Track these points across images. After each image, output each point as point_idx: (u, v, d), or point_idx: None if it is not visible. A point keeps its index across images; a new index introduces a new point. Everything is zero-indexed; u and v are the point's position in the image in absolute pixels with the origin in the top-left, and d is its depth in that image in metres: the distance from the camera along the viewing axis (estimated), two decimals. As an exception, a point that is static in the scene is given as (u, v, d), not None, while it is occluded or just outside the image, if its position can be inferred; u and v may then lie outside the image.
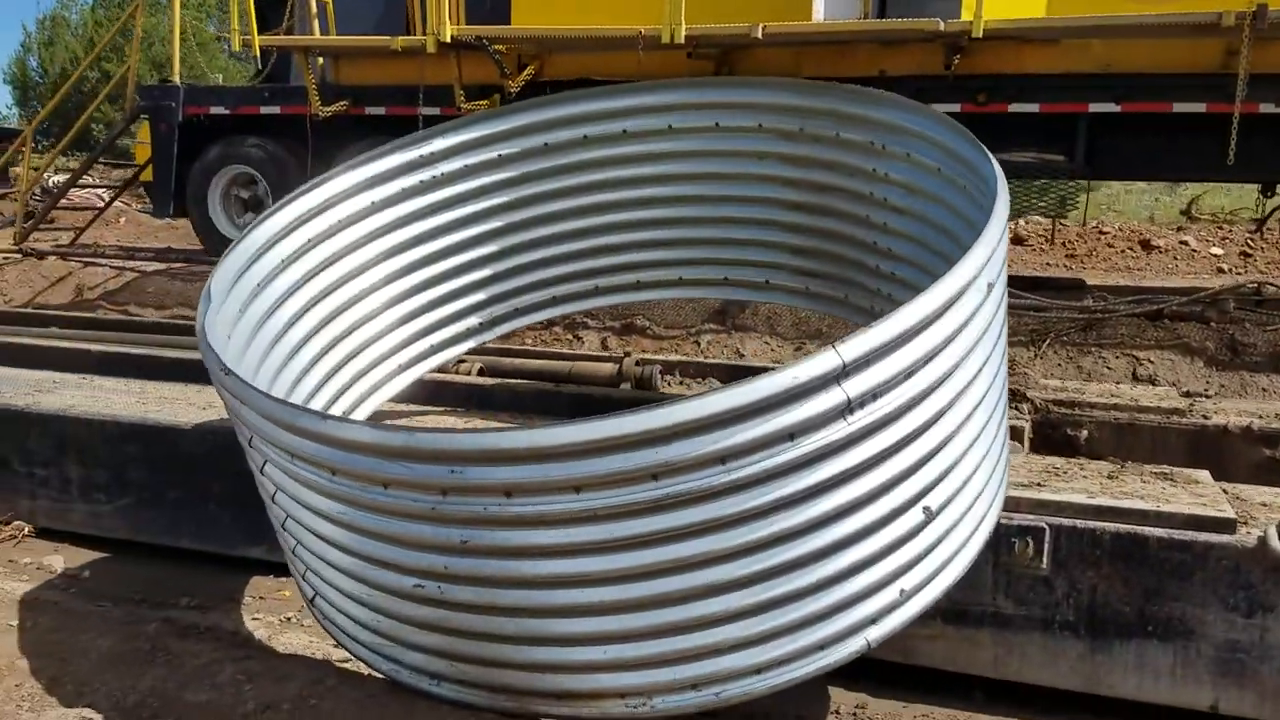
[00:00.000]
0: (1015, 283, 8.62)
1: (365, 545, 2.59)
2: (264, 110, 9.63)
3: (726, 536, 2.38)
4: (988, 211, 2.78)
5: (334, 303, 3.72)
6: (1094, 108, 7.81)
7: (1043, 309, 7.78)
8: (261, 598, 3.76)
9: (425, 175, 3.94)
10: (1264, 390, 6.71)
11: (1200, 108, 7.36)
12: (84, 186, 14.64)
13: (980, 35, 7.21)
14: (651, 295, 4.37)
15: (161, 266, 9.34)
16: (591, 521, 2.34)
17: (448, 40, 8.22)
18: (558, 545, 2.38)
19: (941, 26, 7.34)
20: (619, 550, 2.38)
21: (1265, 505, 3.23)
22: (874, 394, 2.42)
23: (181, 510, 4.02)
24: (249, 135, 9.68)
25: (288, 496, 2.75)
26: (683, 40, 7.81)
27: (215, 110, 9.70)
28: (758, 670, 2.52)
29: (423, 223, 3.95)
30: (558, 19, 8.62)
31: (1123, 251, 12.71)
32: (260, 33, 9.14)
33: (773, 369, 2.35)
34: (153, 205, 10.32)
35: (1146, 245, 12.66)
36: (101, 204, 12.92)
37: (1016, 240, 13.83)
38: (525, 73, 8.71)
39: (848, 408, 2.38)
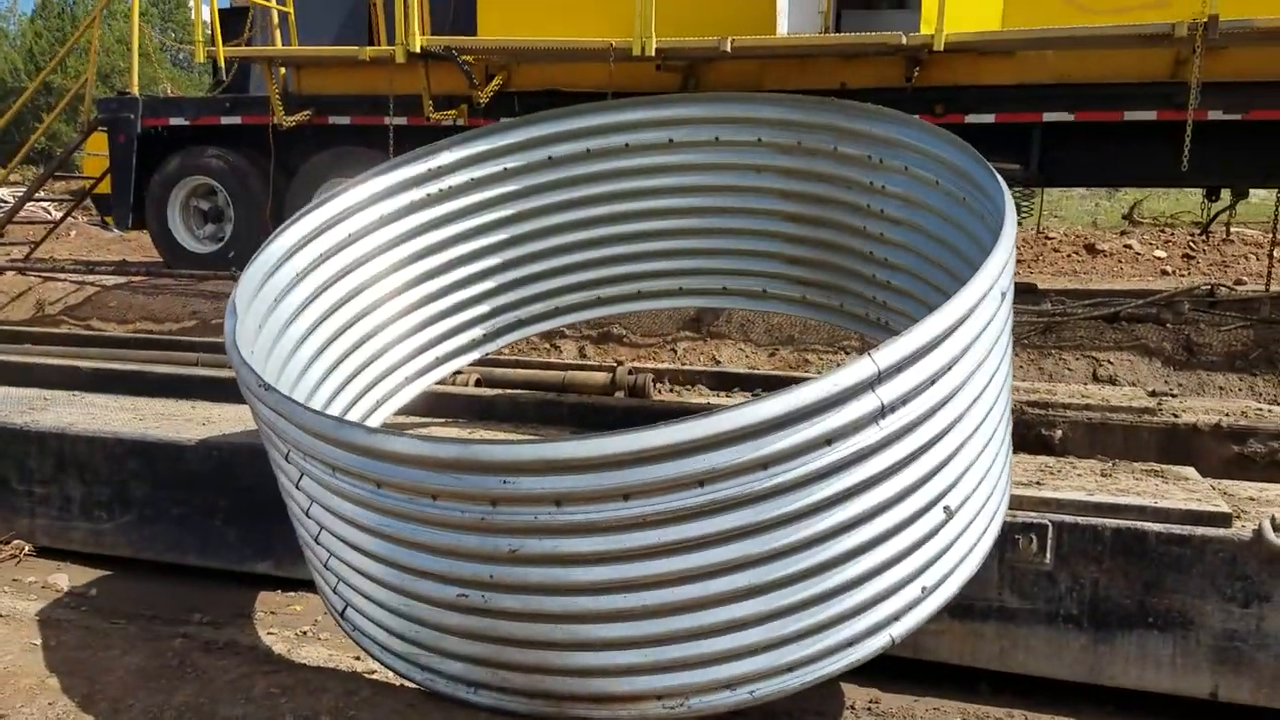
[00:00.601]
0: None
1: (408, 557, 2.63)
2: (225, 121, 9.55)
3: (765, 539, 2.47)
4: (997, 222, 2.91)
5: (344, 317, 3.74)
6: (1048, 117, 8.07)
7: (1005, 313, 7.98)
8: (272, 613, 3.76)
9: (432, 189, 3.98)
10: (1221, 389, 7.00)
11: (1151, 115, 7.66)
12: (34, 200, 14.30)
13: (941, 48, 7.42)
14: (653, 305, 4.46)
15: (122, 280, 9.19)
16: (639, 528, 2.41)
17: (417, 51, 8.23)
18: (605, 552, 2.45)
19: (904, 40, 7.54)
20: (664, 555, 2.45)
21: (1254, 499, 3.41)
22: (904, 399, 2.52)
23: (185, 527, 4.00)
24: (209, 146, 9.60)
25: (324, 510, 2.78)
26: (653, 53, 7.92)
27: (174, 121, 9.60)
28: (790, 669, 2.61)
29: (430, 235, 4.00)
30: (524, 30, 8.69)
31: (1069, 256, 13.10)
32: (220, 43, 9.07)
33: (811, 378, 2.44)
34: (112, 218, 10.15)
35: (1092, 249, 13.07)
36: (50, 218, 12.64)
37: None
38: (493, 83, 8.77)
39: (881, 413, 2.49)
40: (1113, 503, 3.20)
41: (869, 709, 3.21)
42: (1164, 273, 12.07)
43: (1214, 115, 7.51)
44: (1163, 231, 13.52)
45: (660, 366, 6.48)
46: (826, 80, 8.53)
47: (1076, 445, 4.93)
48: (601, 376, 5.28)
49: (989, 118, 8.26)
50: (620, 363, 5.61)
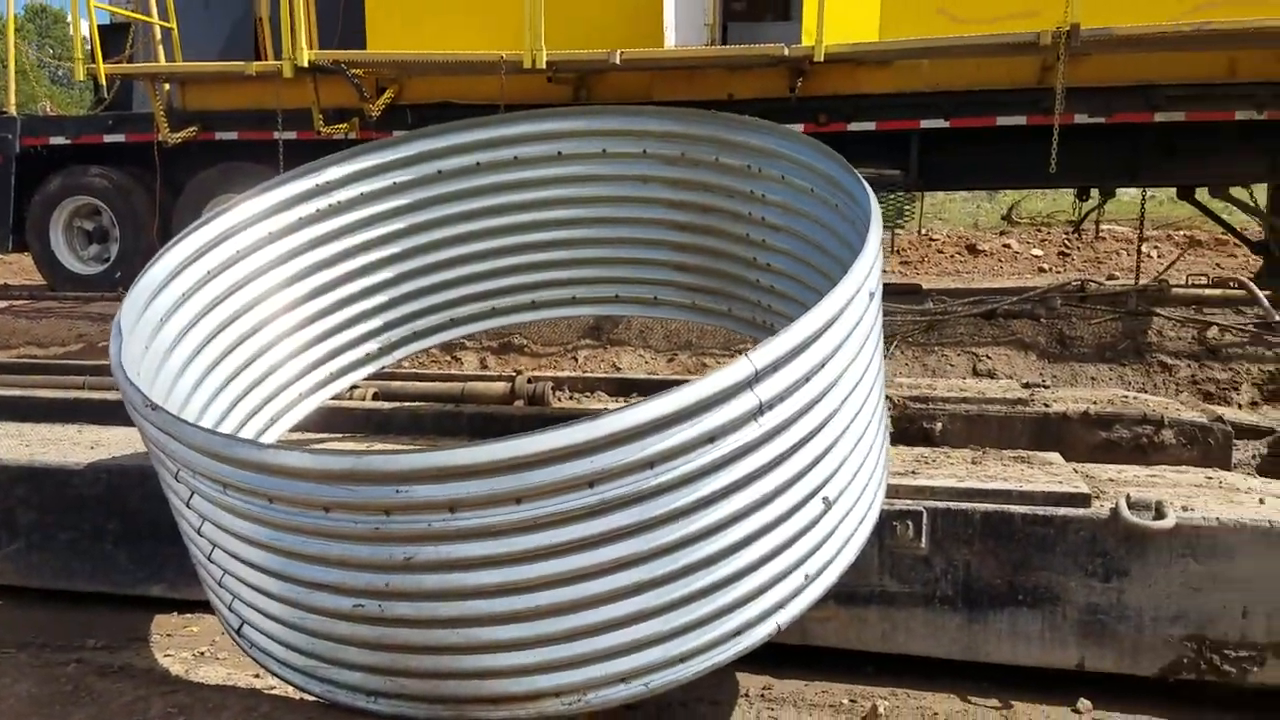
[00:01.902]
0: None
1: (302, 570, 2.66)
2: (108, 139, 9.31)
3: (654, 536, 2.57)
4: (864, 227, 3.08)
5: (234, 334, 3.73)
6: (925, 124, 8.43)
7: (888, 313, 8.31)
8: (169, 635, 3.72)
9: (321, 203, 3.99)
10: (1092, 379, 7.40)
11: (1021, 120, 8.07)
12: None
13: (821, 59, 7.69)
14: (547, 314, 4.54)
15: (3, 304, 8.86)
16: (531, 530, 2.49)
17: (305, 65, 8.16)
18: (499, 555, 2.52)
19: (786, 52, 7.79)
20: (556, 555, 2.53)
21: (1112, 480, 3.66)
22: (781, 396, 2.66)
23: (75, 552, 3.92)
24: (92, 165, 9.34)
25: (216, 528, 2.78)
26: (544, 65, 8.01)
27: (55, 140, 9.33)
28: (682, 659, 2.70)
29: (320, 251, 4.01)
30: (415, 43, 8.70)
31: (952, 256, 13.65)
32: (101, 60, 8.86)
33: (690, 380, 2.56)
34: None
35: (973, 250, 13.65)
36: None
37: (858, 249, 14.59)
38: (385, 96, 8.74)
39: (759, 410, 2.62)
40: (981, 488, 3.40)
41: (762, 695, 3.34)
42: (1041, 270, 12.67)
43: (1080, 119, 7.96)
44: (1039, 231, 14.18)
45: (561, 375, 6.56)
46: (714, 91, 8.75)
47: (955, 436, 5.16)
48: (500, 386, 5.33)
49: (870, 126, 8.59)
50: (519, 372, 5.66)
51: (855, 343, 2.92)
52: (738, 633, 2.77)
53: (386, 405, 4.87)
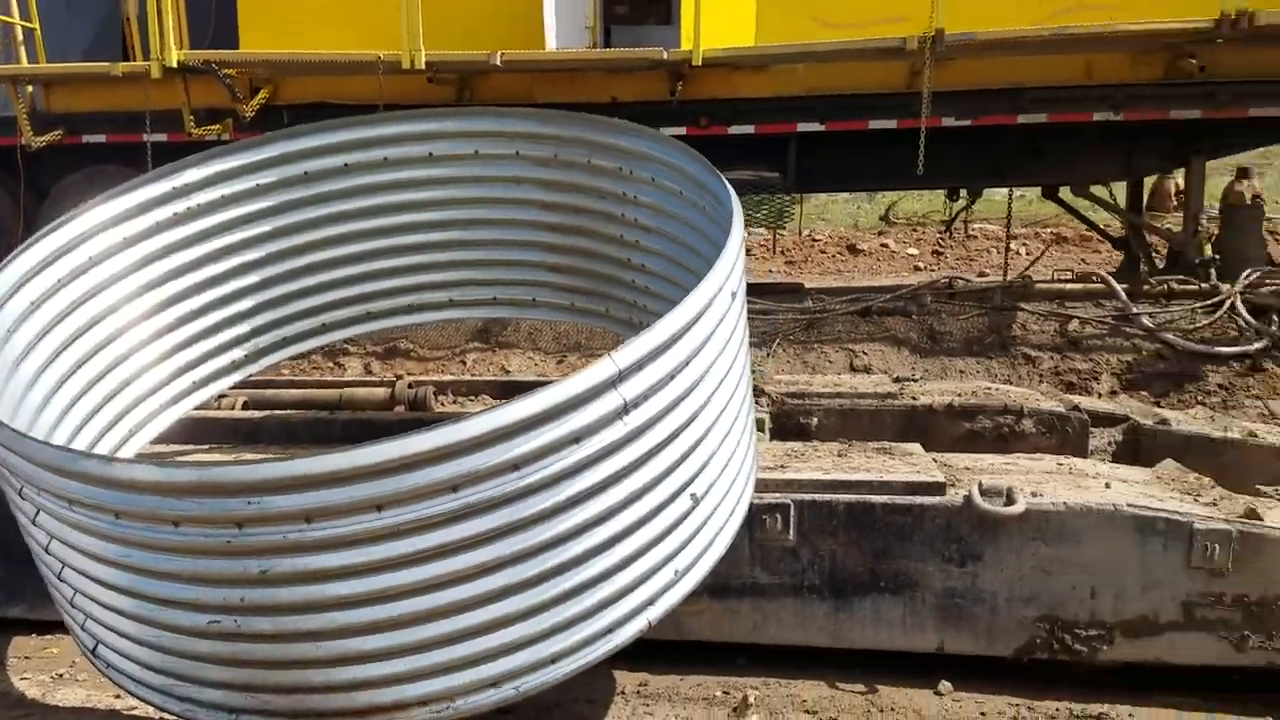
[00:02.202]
0: (745, 290, 9.38)
1: (154, 587, 2.58)
2: (-35, 143, 8.83)
3: (521, 538, 2.57)
4: (726, 228, 3.15)
5: (87, 345, 3.58)
6: (802, 127, 8.61)
7: (770, 312, 8.49)
8: (27, 657, 3.55)
9: (180, 207, 3.86)
10: (960, 372, 7.68)
11: (892, 124, 8.30)
12: None
13: (699, 64, 7.80)
14: (424, 318, 4.49)
15: None
16: (393, 538, 2.47)
17: (174, 65, 7.88)
18: (359, 565, 2.48)
19: (664, 55, 7.87)
20: (420, 563, 2.51)
21: (969, 469, 3.81)
22: (645, 395, 2.69)
23: (-81, 577, 3.72)
24: (-48, 170, 8.85)
25: (64, 545, 2.68)
26: (423, 66, 7.91)
27: (-94, 146, 8.79)
28: (553, 660, 2.71)
29: (180, 255, 3.87)
30: (289, 42, 8.48)
31: (833, 256, 13.99)
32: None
33: (555, 380, 2.57)
34: None
35: (853, 249, 14.02)
36: None
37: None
38: (259, 96, 8.51)
39: (624, 409, 2.65)
40: (845, 479, 3.50)
41: (638, 692, 3.37)
42: (917, 268, 13.09)
43: (948, 122, 8.22)
44: (915, 230, 14.65)
45: (446, 378, 6.50)
46: (597, 94, 8.78)
47: (830, 431, 5.30)
48: (381, 392, 5.26)
49: (749, 129, 8.73)
50: (400, 376, 5.59)
51: (719, 341, 2.97)
52: (608, 631, 2.80)
53: (257, 414, 4.75)
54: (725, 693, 3.36)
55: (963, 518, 3.35)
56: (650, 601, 2.87)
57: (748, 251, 14.95)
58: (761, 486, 3.48)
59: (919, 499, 3.41)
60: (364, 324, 4.40)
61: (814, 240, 14.66)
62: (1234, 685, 3.25)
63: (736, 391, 3.16)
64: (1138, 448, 4.95)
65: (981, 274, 12.05)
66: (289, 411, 4.84)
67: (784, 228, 9.62)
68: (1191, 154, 8.37)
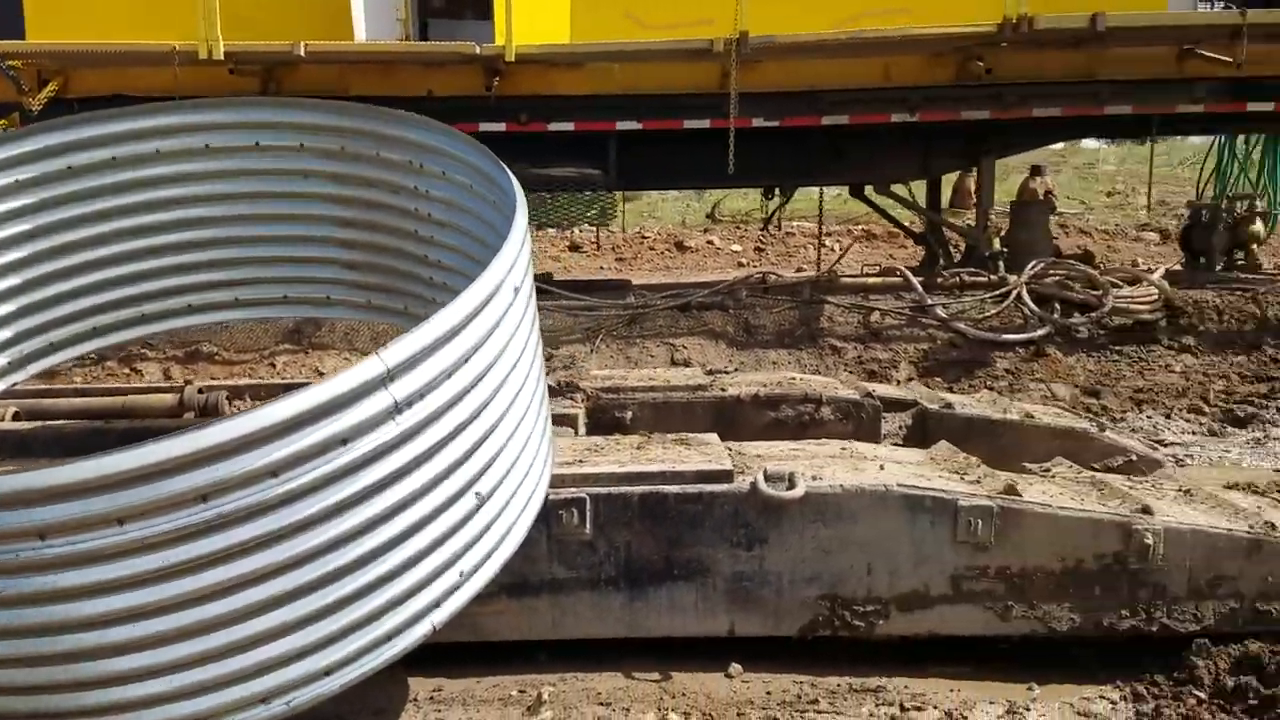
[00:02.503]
0: (569, 286, 9.40)
1: None
2: None
3: (284, 548, 2.46)
4: (510, 223, 3.12)
5: None
6: (621, 126, 8.71)
7: (594, 308, 8.53)
8: None
9: (-79, 206, 3.56)
10: (773, 363, 7.92)
11: (705, 124, 8.49)
12: None
13: (512, 59, 7.75)
14: (207, 318, 4.27)
15: None
16: (139, 553, 2.32)
17: (-57, 54, 7.27)
18: (105, 582, 2.33)
19: (477, 50, 7.79)
20: (171, 578, 2.37)
21: (760, 456, 3.90)
22: (420, 394, 2.63)
23: None
24: None
25: None
26: (222, 57, 7.56)
27: None
28: (327, 672, 2.61)
29: (-79, 258, 3.57)
30: (81, 32, 7.97)
31: (662, 253, 14.23)
32: None
33: (314, 381, 2.49)
34: None
35: (681, 246, 14.29)
36: None
37: (573, 248, 14.96)
38: (48, 89, 7.97)
39: (396, 409, 2.58)
40: (639, 471, 3.54)
41: (431, 698, 3.31)
42: (740, 264, 13.45)
43: (757, 123, 8.47)
44: (739, 228, 15.06)
45: (246, 383, 6.22)
46: (413, 87, 8.63)
47: (644, 424, 5.35)
48: (168, 398, 4.97)
49: (569, 126, 8.76)
50: (189, 381, 5.31)
51: (501, 337, 2.94)
52: (389, 638, 2.73)
53: (26, 425, 4.42)
54: (521, 692, 3.34)
55: (749, 503, 3.43)
56: (435, 605, 2.82)
57: (577, 248, 15.12)
58: (558, 482, 3.47)
59: (708, 487, 3.47)
60: (139, 326, 4.15)
61: (643, 238, 14.85)
62: (1000, 654, 3.45)
63: (525, 388, 3.14)
64: (925, 430, 5.21)
65: (800, 269, 12.49)
66: (64, 422, 4.52)
67: (608, 224, 9.72)
68: (983, 153, 8.90)
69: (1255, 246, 9.67)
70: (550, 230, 14.73)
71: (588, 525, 3.45)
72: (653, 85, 8.64)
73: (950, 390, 7.23)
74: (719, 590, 3.48)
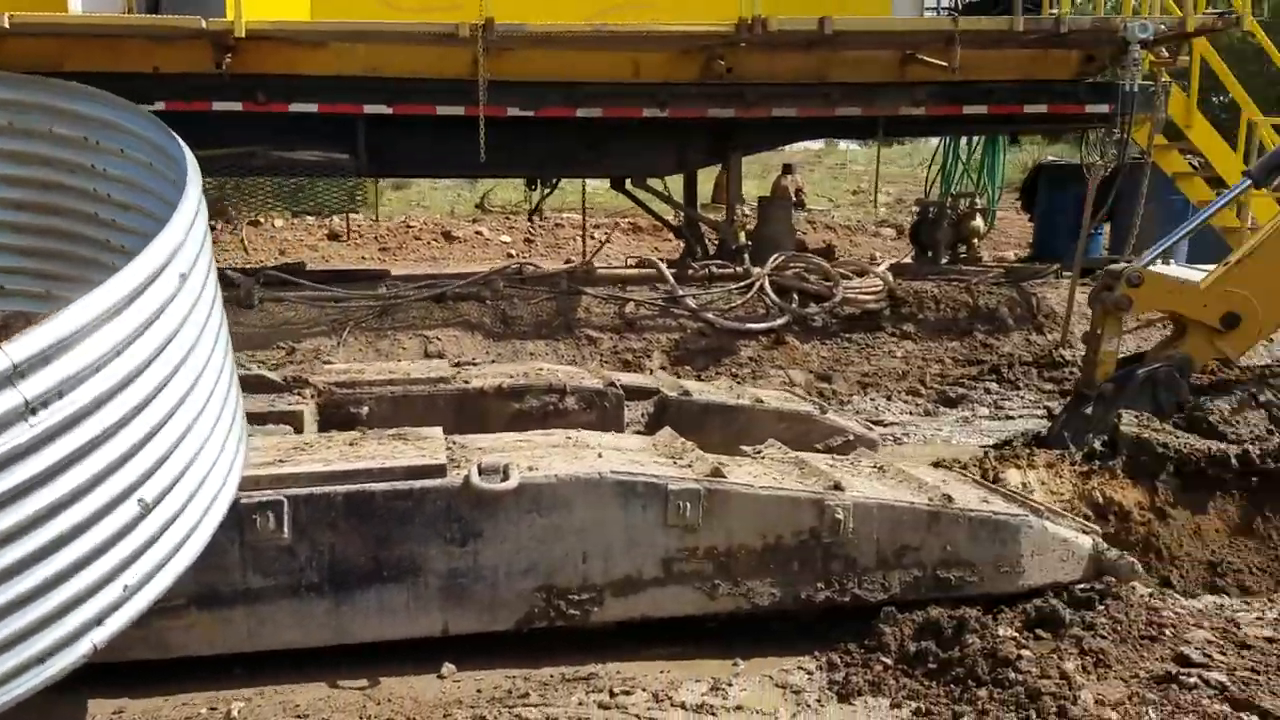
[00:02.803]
0: (322, 276, 8.99)
1: None
2: None
3: (-111, 569, 2.17)
4: (179, 202, 2.88)
5: None
6: (368, 109, 8.38)
7: (343, 300, 8.20)
8: None
9: None
10: (531, 354, 7.87)
11: (459, 110, 8.29)
12: None
13: (243, 35, 7.31)
14: None
15: None
16: None
17: None
18: None
19: (204, 24, 7.29)
20: None
21: (482, 449, 3.81)
22: (59, 392, 2.38)
23: None
24: None
25: None
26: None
27: None
28: (-32, 700, 2.35)
29: None
30: None
31: (429, 243, 13.89)
32: None
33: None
34: None
35: (448, 236, 14.01)
36: None
37: (333, 237, 14.37)
38: None
39: (29, 409, 2.32)
40: (345, 469, 3.37)
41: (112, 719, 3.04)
42: (510, 255, 13.34)
43: (513, 112, 8.36)
44: (509, 218, 14.93)
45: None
46: (139, 63, 8.02)
47: (383, 420, 5.15)
48: None
49: (312, 107, 8.35)
50: None
51: (165, 327, 2.71)
52: (43, 659, 2.47)
53: None
54: (212, 708, 3.11)
55: (462, 497, 3.34)
56: (97, 622, 2.57)
57: (337, 237, 14.47)
58: (251, 484, 3.25)
59: (419, 483, 3.35)
60: None
61: (409, 227, 14.45)
62: (711, 632, 3.53)
63: (201, 383, 2.91)
64: (665, 417, 5.29)
65: (568, 261, 12.50)
66: None
67: (355, 211, 9.36)
68: (730, 150, 9.17)
69: (976, 240, 10.50)
70: (310, 219, 14.09)
71: (286, 529, 3.25)
72: (403, 69, 8.36)
73: (699, 377, 7.43)
74: (432, 589, 3.37)
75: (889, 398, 7.26)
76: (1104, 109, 8.28)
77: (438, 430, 4.04)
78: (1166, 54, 8.71)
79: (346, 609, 3.33)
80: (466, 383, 5.42)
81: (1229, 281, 4.95)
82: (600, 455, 3.62)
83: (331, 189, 9.28)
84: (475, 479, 3.33)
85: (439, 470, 3.41)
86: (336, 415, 5.19)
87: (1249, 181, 5.39)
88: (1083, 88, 8.65)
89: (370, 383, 5.39)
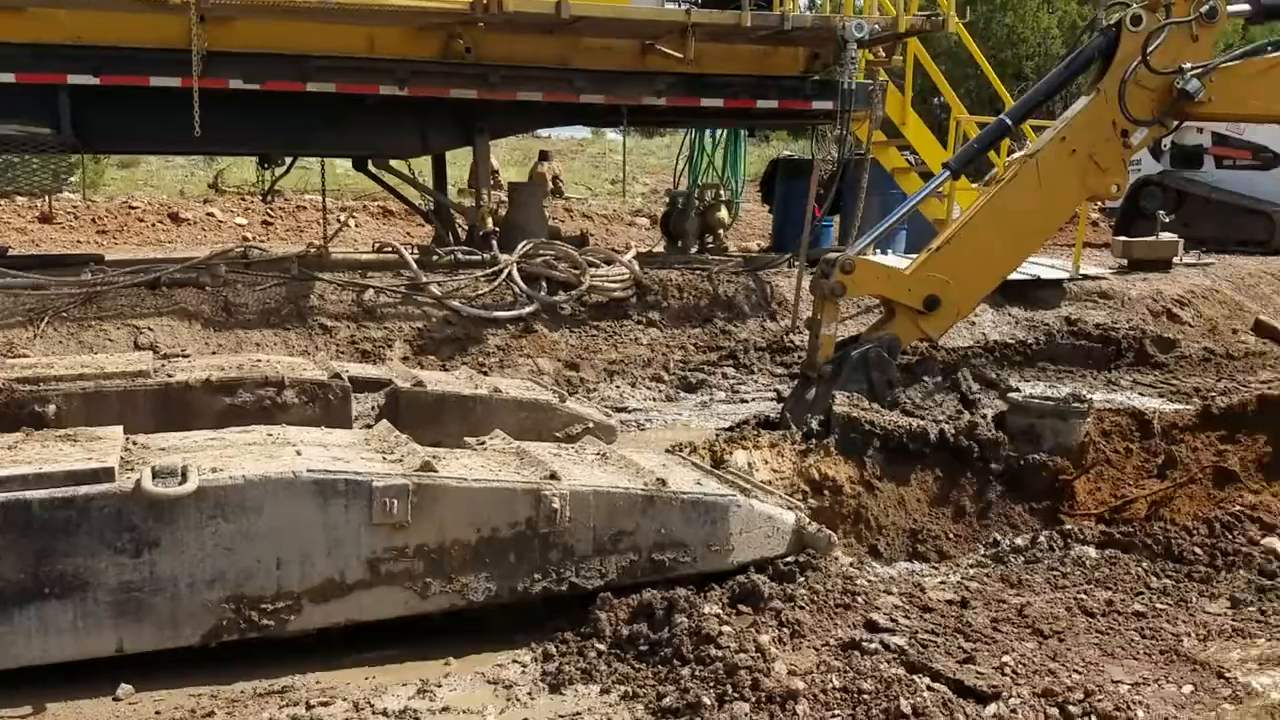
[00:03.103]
0: (22, 262, 8.07)
1: None
2: None
3: None
4: None
5: None
6: (73, 79, 7.66)
7: (41, 286, 7.42)
8: None
9: None
10: (257, 345, 7.38)
11: (175, 82, 7.66)
12: None
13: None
14: None
15: None
16: None
17: None
18: None
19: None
20: None
21: (166, 449, 3.49)
22: None
23: None
24: None
25: None
26: None
27: None
28: None
29: None
30: None
31: (154, 225, 12.82)
32: None
33: None
34: None
35: (176, 218, 12.98)
36: None
37: (45, 219, 13.00)
38: None
39: None
40: (-4, 476, 2.98)
41: None
42: (245, 239, 12.52)
43: (235, 84, 7.81)
44: (244, 200, 14.02)
45: None
46: None
47: (73, 419, 4.66)
48: None
49: (9, 77, 7.54)
50: None
51: None
52: None
53: None
54: None
55: (134, 504, 3.03)
56: None
57: (50, 220, 13.17)
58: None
59: (83, 489, 3.01)
60: None
61: (131, 208, 13.27)
62: (425, 631, 3.39)
63: None
64: (397, 410, 5.08)
65: (310, 244, 11.89)
66: None
67: (60, 190, 8.46)
68: (476, 132, 8.97)
69: (721, 231, 10.83)
70: (19, 199, 12.67)
71: (-83, 548, 2.84)
72: (110, 36, 7.63)
73: (444, 367, 7.23)
74: (102, 604, 3.05)
75: (634, 384, 7.34)
76: (828, 105, 8.70)
77: (117, 430, 3.68)
78: (883, 53, 9.27)
79: (5, 630, 2.96)
80: (170, 376, 5.00)
81: (929, 267, 5.31)
82: (299, 453, 3.39)
83: (34, 166, 8.39)
84: (147, 483, 3.03)
85: (106, 474, 3.08)
86: (20, 414, 4.67)
87: (948, 173, 5.79)
88: (809, 84, 9.06)
89: (58, 378, 4.88)
